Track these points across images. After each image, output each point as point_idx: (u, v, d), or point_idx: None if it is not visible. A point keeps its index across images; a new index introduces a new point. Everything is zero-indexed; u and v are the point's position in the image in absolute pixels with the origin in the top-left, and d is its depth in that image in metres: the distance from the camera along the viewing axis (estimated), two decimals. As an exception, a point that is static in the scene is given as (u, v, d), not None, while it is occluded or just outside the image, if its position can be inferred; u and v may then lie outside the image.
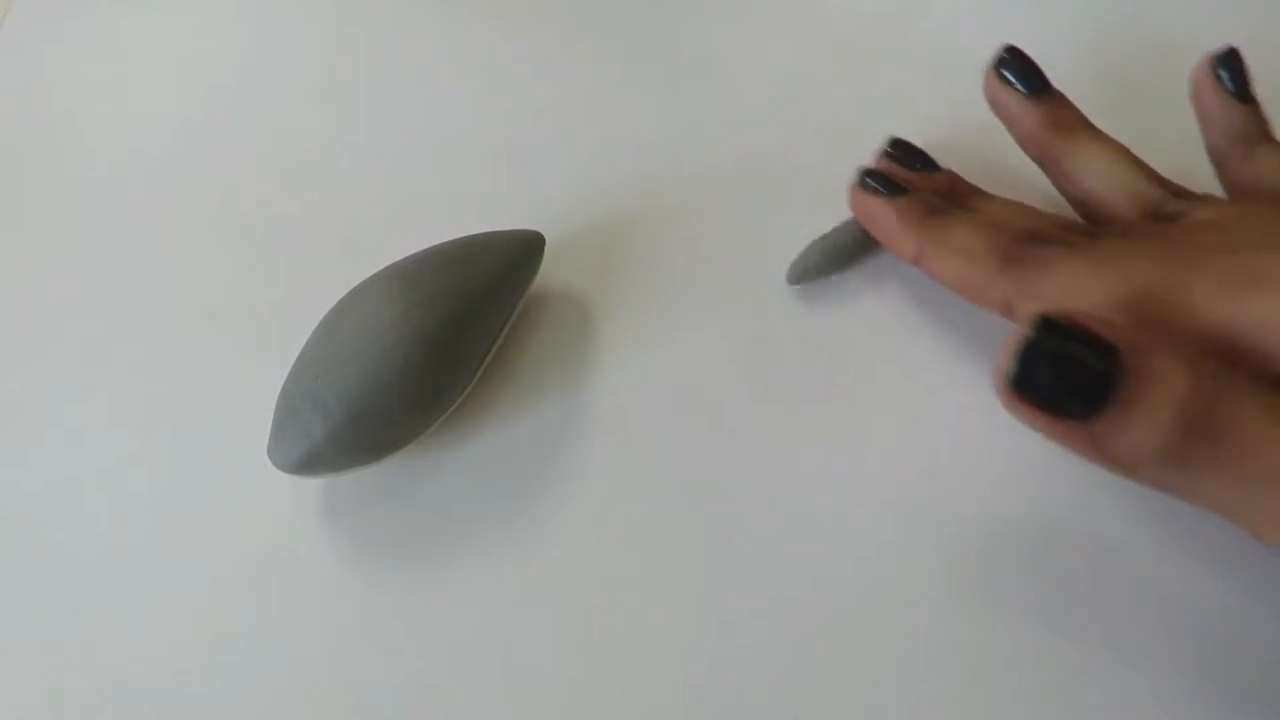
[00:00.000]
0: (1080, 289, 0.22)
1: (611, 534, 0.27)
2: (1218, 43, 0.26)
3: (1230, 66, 0.26)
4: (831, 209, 0.31)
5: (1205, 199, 0.25)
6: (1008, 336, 0.18)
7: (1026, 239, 0.25)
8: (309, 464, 0.26)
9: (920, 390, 0.28)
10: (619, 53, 0.36)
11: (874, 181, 0.29)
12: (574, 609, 0.26)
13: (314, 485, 0.28)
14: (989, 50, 0.29)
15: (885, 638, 0.25)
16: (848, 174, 0.31)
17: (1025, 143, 0.28)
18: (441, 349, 0.26)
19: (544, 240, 0.29)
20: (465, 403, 0.29)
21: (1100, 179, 0.26)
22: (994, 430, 0.27)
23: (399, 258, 0.28)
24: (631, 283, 0.31)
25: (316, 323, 0.27)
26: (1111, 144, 0.27)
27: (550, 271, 0.30)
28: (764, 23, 0.37)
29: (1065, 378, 0.17)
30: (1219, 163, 0.27)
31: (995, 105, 0.28)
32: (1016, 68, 0.27)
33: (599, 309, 0.31)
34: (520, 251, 0.29)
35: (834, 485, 0.27)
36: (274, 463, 0.26)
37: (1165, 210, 0.25)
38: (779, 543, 0.26)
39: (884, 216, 0.28)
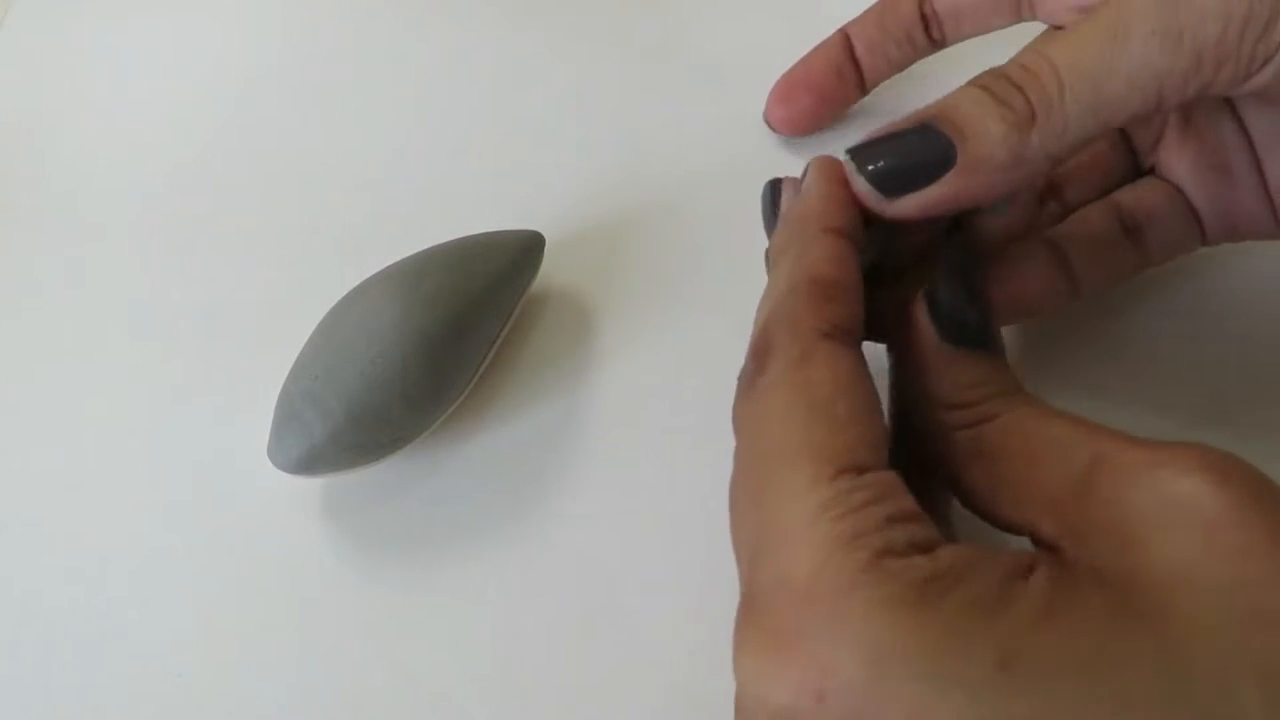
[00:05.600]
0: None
1: (612, 534, 0.27)
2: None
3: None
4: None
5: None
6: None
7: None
8: (309, 464, 0.26)
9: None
10: (619, 53, 0.36)
11: None
12: (574, 609, 0.26)
13: (314, 485, 0.28)
14: (986, 49, 0.29)
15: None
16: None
17: None
18: (441, 349, 0.26)
19: (544, 240, 0.29)
20: (465, 403, 0.29)
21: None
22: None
23: (399, 258, 0.28)
24: (631, 283, 0.31)
25: (316, 323, 0.27)
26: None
27: (550, 271, 0.30)
28: (763, 23, 0.37)
29: (909, 157, 0.20)
30: None
31: None
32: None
33: (599, 309, 0.31)
34: (520, 251, 0.29)
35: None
36: (274, 463, 0.26)
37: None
38: (779, 543, 0.26)
39: None
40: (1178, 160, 0.25)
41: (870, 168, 0.21)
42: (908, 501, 0.17)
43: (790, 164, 0.33)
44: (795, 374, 0.19)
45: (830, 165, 0.23)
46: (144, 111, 0.37)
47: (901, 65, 0.31)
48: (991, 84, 0.20)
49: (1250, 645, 0.15)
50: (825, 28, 0.35)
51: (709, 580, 0.26)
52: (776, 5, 0.37)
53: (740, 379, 0.21)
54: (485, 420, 0.29)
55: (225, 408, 0.30)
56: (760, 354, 0.20)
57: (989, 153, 0.20)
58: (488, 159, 0.34)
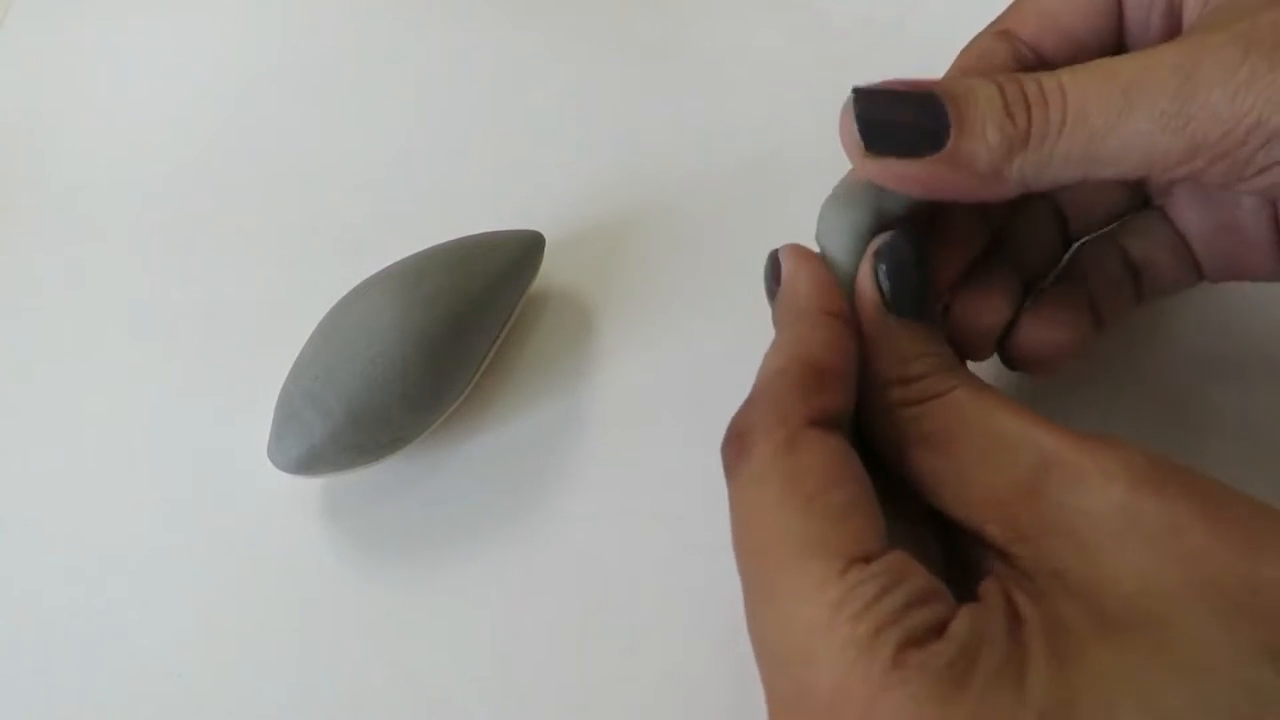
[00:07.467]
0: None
1: (611, 534, 0.27)
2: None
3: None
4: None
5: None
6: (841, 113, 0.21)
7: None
8: (309, 464, 0.26)
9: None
10: (619, 53, 0.36)
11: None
12: (574, 609, 0.26)
13: (314, 485, 0.28)
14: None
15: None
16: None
17: None
18: (441, 349, 0.26)
19: (544, 240, 0.29)
20: (465, 403, 0.29)
21: None
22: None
23: (399, 258, 0.28)
24: (631, 283, 0.31)
25: (316, 323, 0.27)
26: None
27: (550, 271, 0.30)
28: (764, 23, 0.37)
29: (906, 119, 0.20)
30: None
31: None
32: None
33: (599, 309, 0.31)
34: (520, 251, 0.29)
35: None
36: (274, 463, 0.26)
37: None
38: (779, 543, 0.26)
39: None
40: (1187, 210, 0.25)
41: (866, 115, 0.20)
42: (920, 579, 0.17)
43: (792, 165, 0.33)
44: (784, 461, 0.18)
45: (806, 253, 0.23)
46: (144, 111, 0.37)
47: None
48: (1008, 89, 0.20)
49: (1246, 632, 0.15)
50: (824, 27, 0.35)
51: (709, 580, 0.26)
52: (776, 5, 0.37)
53: (723, 453, 0.20)
54: (485, 420, 0.29)
55: (225, 408, 0.30)
56: (742, 434, 0.20)
57: (975, 154, 0.20)
58: (488, 159, 0.34)
